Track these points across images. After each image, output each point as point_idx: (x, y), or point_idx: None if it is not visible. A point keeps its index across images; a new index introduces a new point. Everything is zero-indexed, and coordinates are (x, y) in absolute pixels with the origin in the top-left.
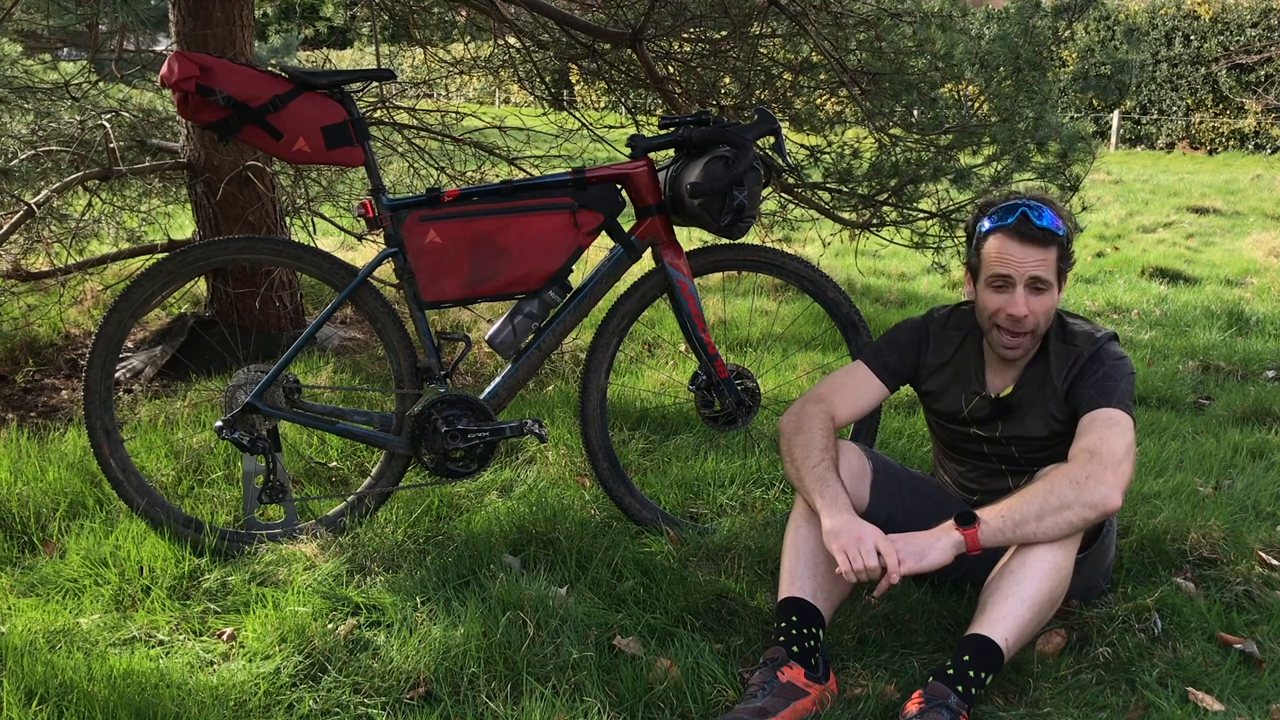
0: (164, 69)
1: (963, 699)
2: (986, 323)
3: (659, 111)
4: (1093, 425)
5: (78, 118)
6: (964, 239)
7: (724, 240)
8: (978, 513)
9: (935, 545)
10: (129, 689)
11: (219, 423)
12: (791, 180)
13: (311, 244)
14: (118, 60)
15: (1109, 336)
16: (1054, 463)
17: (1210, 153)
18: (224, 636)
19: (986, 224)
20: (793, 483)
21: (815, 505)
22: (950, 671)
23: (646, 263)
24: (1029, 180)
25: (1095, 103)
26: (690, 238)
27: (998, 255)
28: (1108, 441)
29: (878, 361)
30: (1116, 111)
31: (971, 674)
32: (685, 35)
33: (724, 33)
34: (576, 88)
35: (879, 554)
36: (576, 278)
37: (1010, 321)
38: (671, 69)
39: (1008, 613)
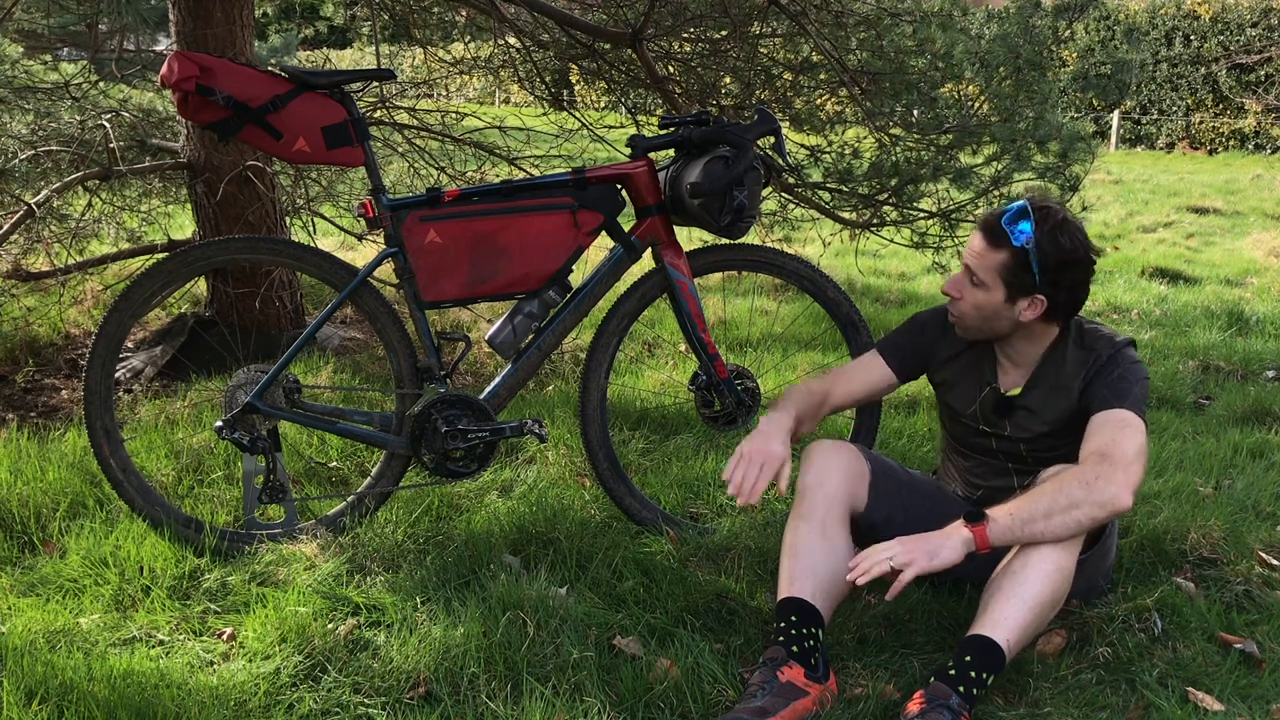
0: (164, 69)
1: (964, 699)
2: None
3: (659, 111)
4: (1104, 425)
5: (78, 118)
6: (964, 238)
7: (724, 240)
8: (986, 511)
9: (946, 544)
10: (129, 689)
11: (219, 423)
12: (791, 180)
13: (311, 244)
14: (118, 60)
15: (1127, 342)
16: (1061, 463)
17: (1210, 153)
18: (224, 636)
19: None
20: None
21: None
22: (952, 672)
23: (646, 263)
24: (1029, 180)
25: (1095, 103)
26: (690, 238)
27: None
28: (1119, 443)
29: (888, 346)
30: (1116, 111)
31: (973, 674)
32: (685, 35)
33: (724, 33)
34: (576, 88)
35: (891, 555)
36: (576, 278)
37: (948, 297)
38: (671, 69)
39: (1009, 614)
